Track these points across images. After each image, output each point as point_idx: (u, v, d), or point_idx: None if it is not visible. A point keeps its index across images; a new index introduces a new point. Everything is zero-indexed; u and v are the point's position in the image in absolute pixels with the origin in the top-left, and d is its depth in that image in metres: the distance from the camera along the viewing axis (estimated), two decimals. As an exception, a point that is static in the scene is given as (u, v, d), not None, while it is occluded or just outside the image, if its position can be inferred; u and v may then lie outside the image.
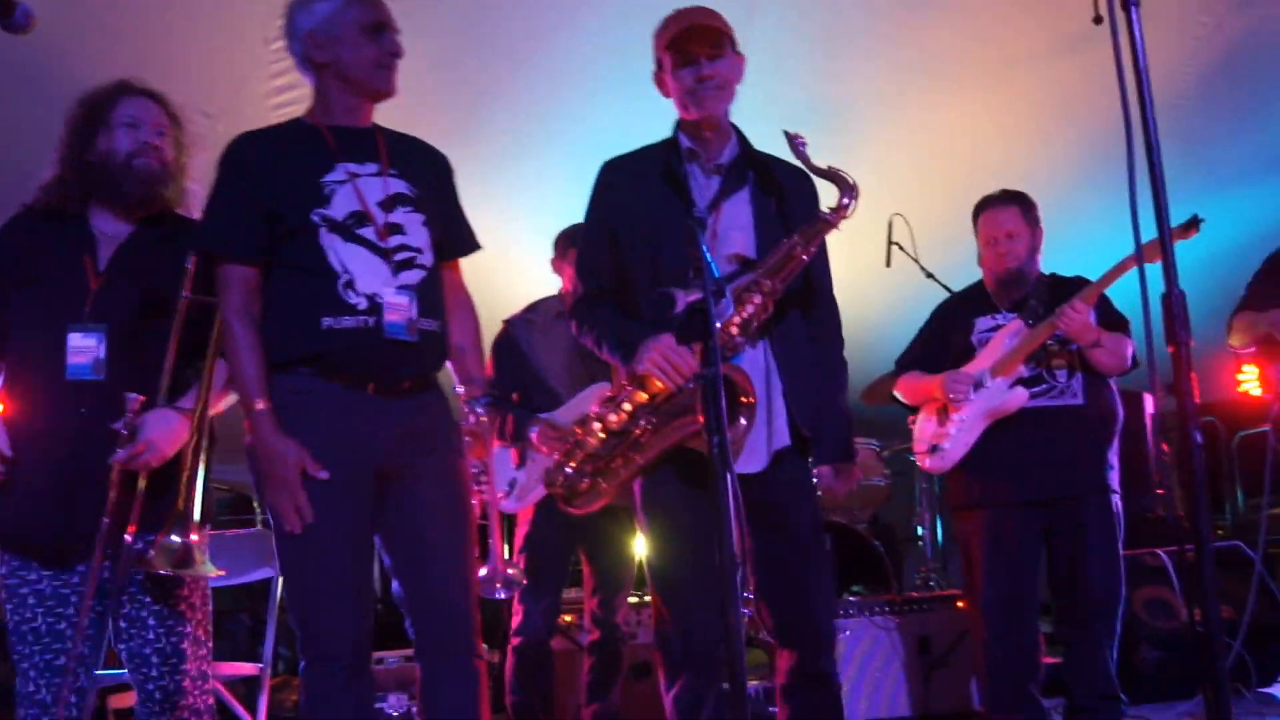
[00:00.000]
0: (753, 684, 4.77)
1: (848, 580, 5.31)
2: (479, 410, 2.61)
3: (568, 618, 4.54)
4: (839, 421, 2.82)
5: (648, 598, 4.94)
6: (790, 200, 2.80)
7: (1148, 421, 5.61)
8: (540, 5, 4.79)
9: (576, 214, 4.38)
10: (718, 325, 2.32)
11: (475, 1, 4.71)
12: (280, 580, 3.66)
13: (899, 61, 5.14)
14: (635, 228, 2.75)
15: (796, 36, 5.18)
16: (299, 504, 2.39)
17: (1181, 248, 3.93)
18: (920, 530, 5.78)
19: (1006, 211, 3.81)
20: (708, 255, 2.18)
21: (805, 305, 2.79)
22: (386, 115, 2.70)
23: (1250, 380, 6.74)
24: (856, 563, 5.34)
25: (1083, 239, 4.11)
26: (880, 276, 5.14)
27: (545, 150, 5.20)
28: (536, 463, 3.91)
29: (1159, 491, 5.63)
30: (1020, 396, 3.66)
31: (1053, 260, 3.95)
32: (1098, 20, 1.99)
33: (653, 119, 5.12)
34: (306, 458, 2.41)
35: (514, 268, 5.14)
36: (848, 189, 2.69)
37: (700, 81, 2.71)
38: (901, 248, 5.16)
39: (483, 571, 2.59)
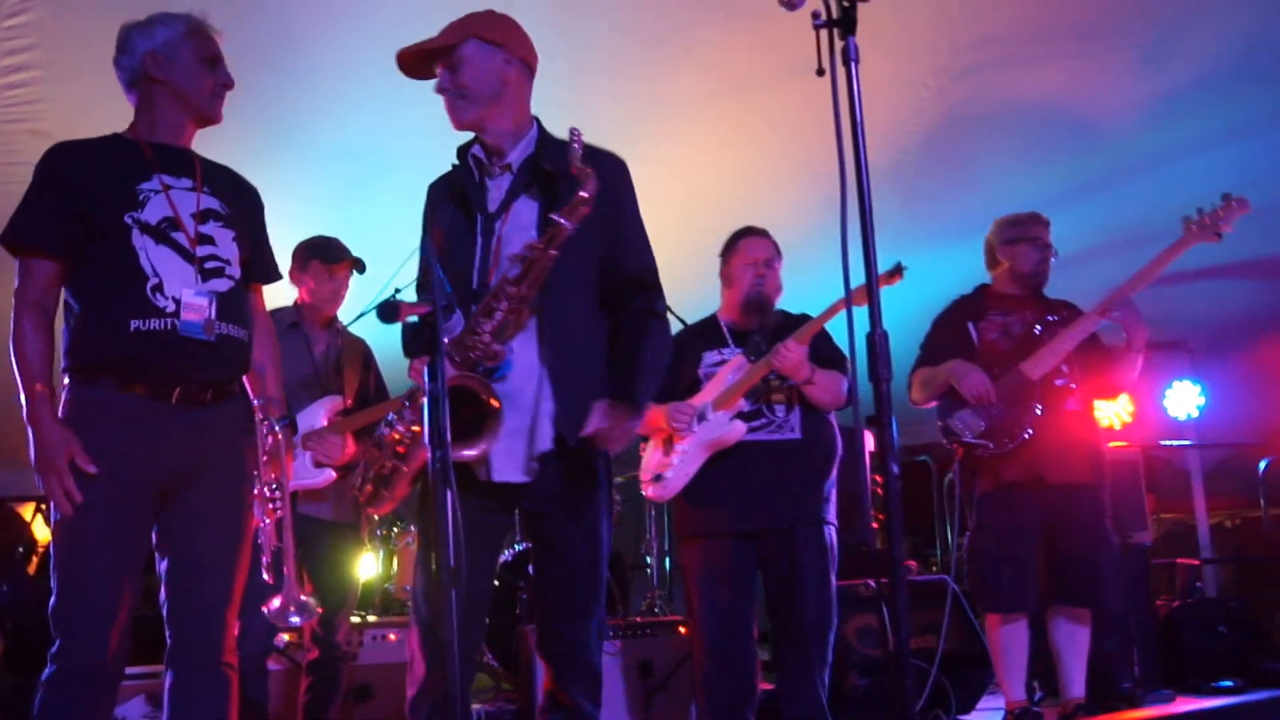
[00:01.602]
0: (477, 707, 4.73)
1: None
2: (277, 430, 2.65)
3: (287, 636, 4.37)
4: (633, 368, 2.78)
5: (371, 617, 4.86)
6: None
7: (867, 457, 5.91)
8: (288, 12, 4.64)
9: (321, 224, 4.29)
10: (445, 340, 2.32)
11: (221, 3, 4.52)
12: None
13: (630, 95, 5.25)
14: (443, 241, 2.77)
15: (541, 84, 5.23)
16: (67, 487, 2.45)
17: (901, 297, 4.24)
18: (649, 558, 5.87)
19: (765, 242, 4.00)
20: (438, 269, 2.17)
21: (590, 296, 2.78)
22: (128, 110, 2.72)
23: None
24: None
25: (811, 276, 4.29)
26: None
27: (289, 158, 5.05)
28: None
29: (874, 525, 5.93)
30: (738, 430, 3.77)
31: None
32: (820, 73, 2.10)
33: (401, 131, 5.07)
34: (77, 448, 2.47)
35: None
36: (587, 181, 2.63)
37: (443, 94, 2.78)
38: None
39: (276, 601, 2.59)
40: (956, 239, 6.02)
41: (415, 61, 2.81)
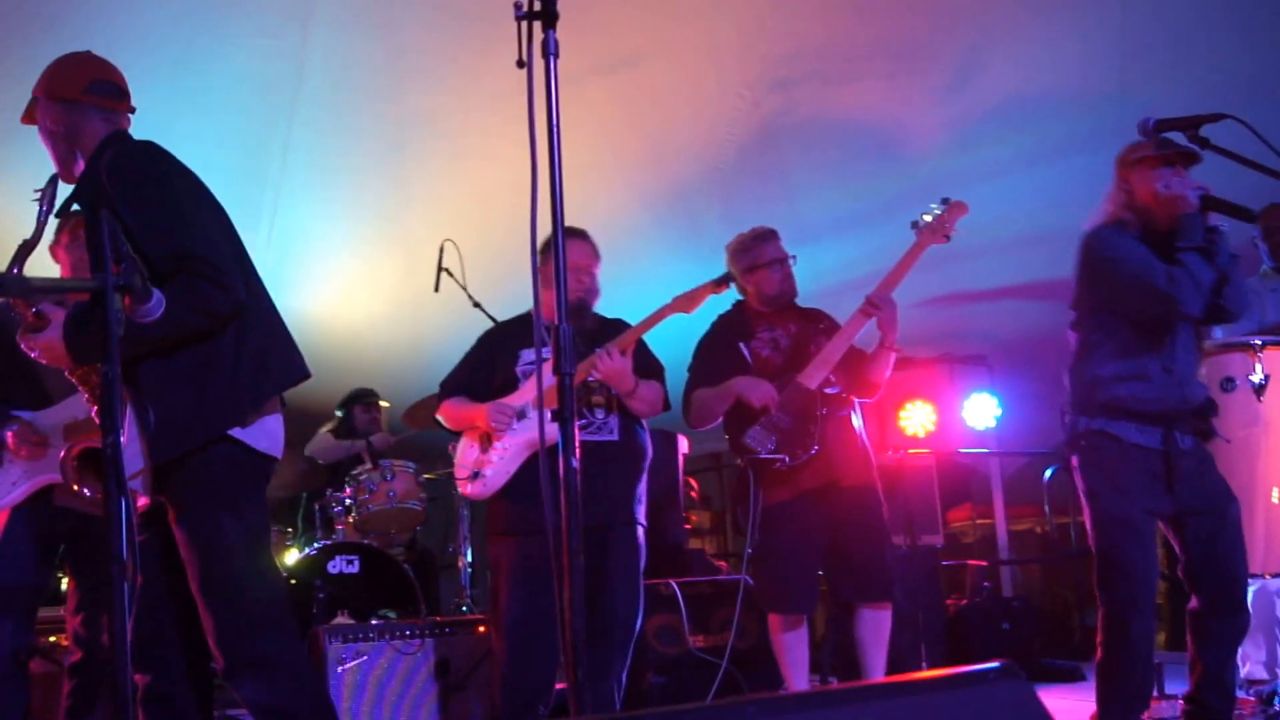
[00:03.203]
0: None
1: (378, 603, 5.26)
2: None
3: (53, 637, 4.19)
4: None
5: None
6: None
7: (680, 460, 5.98)
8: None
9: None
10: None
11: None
12: None
13: (453, 90, 5.22)
14: None
15: (356, 63, 5.18)
16: None
17: (721, 306, 4.28)
18: (468, 555, 5.82)
19: (585, 246, 3.94)
20: (110, 247, 2.06)
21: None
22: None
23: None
24: (388, 586, 5.31)
25: (629, 274, 4.30)
26: (431, 301, 5.17)
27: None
28: (14, 465, 3.59)
29: (687, 526, 6.01)
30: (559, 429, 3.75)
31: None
32: (521, 65, 2.09)
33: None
34: None
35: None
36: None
37: None
38: (451, 274, 5.20)
39: None
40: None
41: None
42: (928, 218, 4.06)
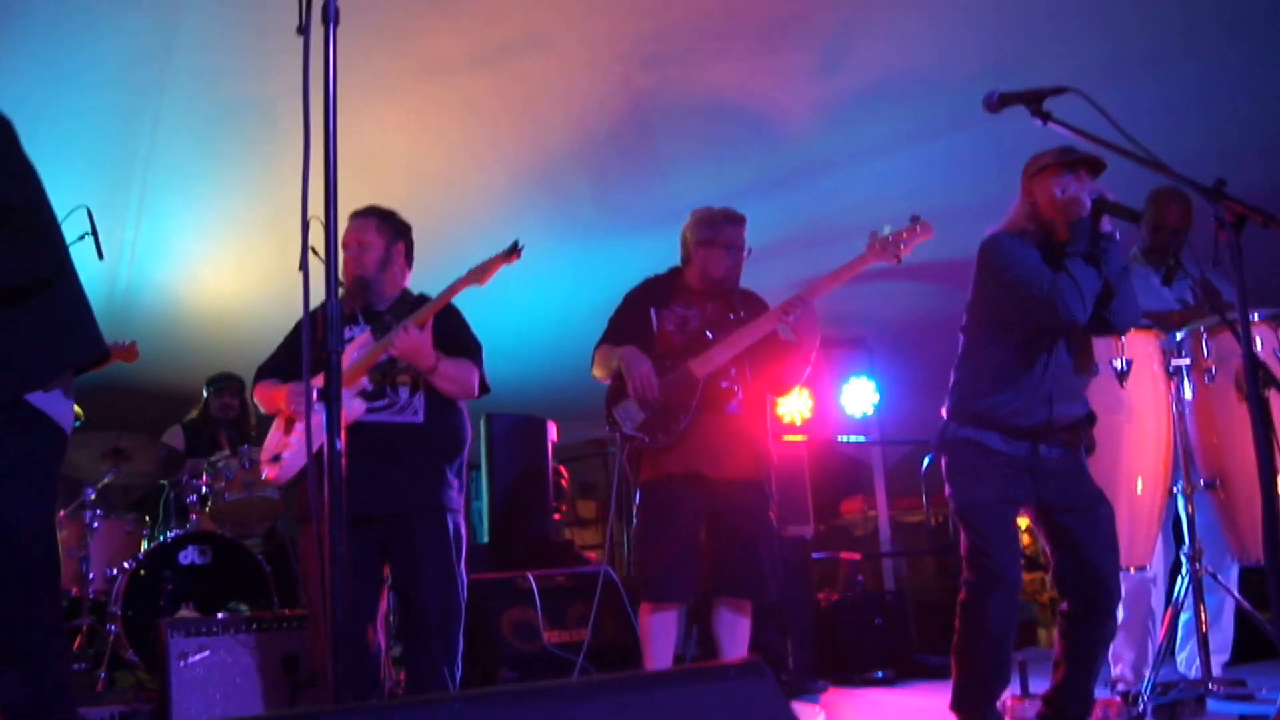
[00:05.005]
0: (110, 708, 4.48)
1: (231, 596, 5.07)
2: None
3: None
4: None
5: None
6: None
7: (549, 448, 5.84)
8: None
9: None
10: None
11: None
12: None
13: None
14: None
15: (223, 40, 5.00)
16: None
17: (589, 285, 4.16)
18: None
19: (364, 221, 3.81)
20: None
21: None
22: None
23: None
24: (241, 578, 5.13)
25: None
26: (298, 281, 5.01)
27: None
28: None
29: (556, 517, 5.87)
30: (356, 409, 3.58)
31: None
32: (300, 31, 2.00)
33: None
34: None
35: None
36: None
37: None
38: (317, 253, 5.02)
39: None
40: (643, 229, 6.03)
41: None
42: (885, 232, 3.85)
